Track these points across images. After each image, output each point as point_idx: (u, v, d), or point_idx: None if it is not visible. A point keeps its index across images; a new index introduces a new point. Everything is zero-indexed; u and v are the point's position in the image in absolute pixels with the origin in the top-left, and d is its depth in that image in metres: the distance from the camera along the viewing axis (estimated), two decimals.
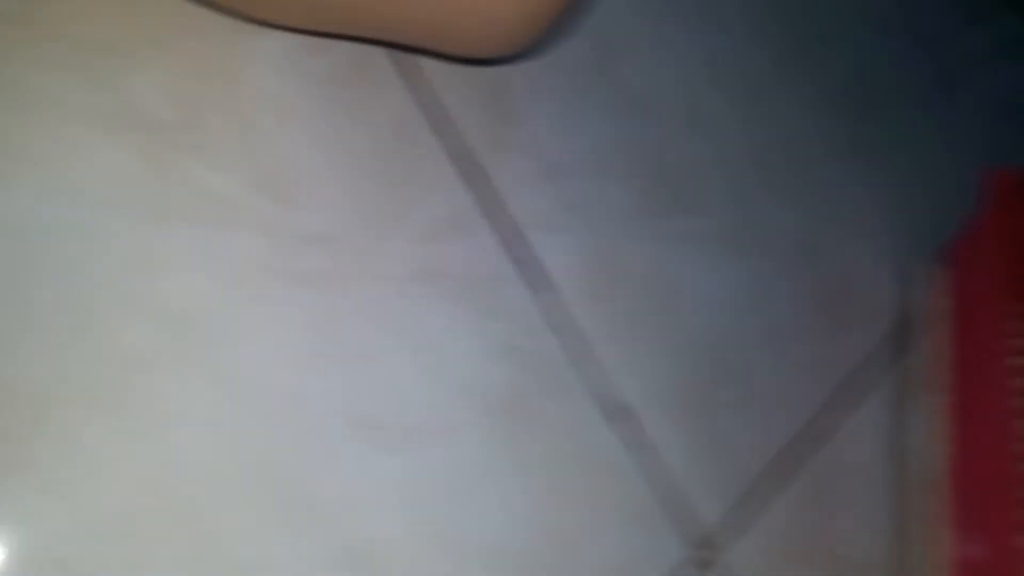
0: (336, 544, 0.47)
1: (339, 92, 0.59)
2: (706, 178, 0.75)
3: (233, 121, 0.54)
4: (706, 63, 0.79)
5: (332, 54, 0.60)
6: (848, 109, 0.87)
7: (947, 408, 0.71)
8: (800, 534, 0.64)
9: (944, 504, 0.67)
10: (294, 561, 0.45)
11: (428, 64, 0.64)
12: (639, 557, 0.56)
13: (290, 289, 0.52)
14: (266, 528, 0.45)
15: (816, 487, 0.67)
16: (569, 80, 0.70)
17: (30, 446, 0.43)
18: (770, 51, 0.84)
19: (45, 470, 0.43)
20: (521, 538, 0.53)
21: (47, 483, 0.43)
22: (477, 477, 0.53)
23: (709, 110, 0.77)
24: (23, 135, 0.49)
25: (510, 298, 0.60)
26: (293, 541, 0.46)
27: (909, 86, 0.93)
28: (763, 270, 0.74)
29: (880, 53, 0.92)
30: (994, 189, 0.75)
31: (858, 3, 0.93)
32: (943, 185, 0.95)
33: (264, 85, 0.56)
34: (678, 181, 0.73)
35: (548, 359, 0.59)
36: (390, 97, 0.61)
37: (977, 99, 0.99)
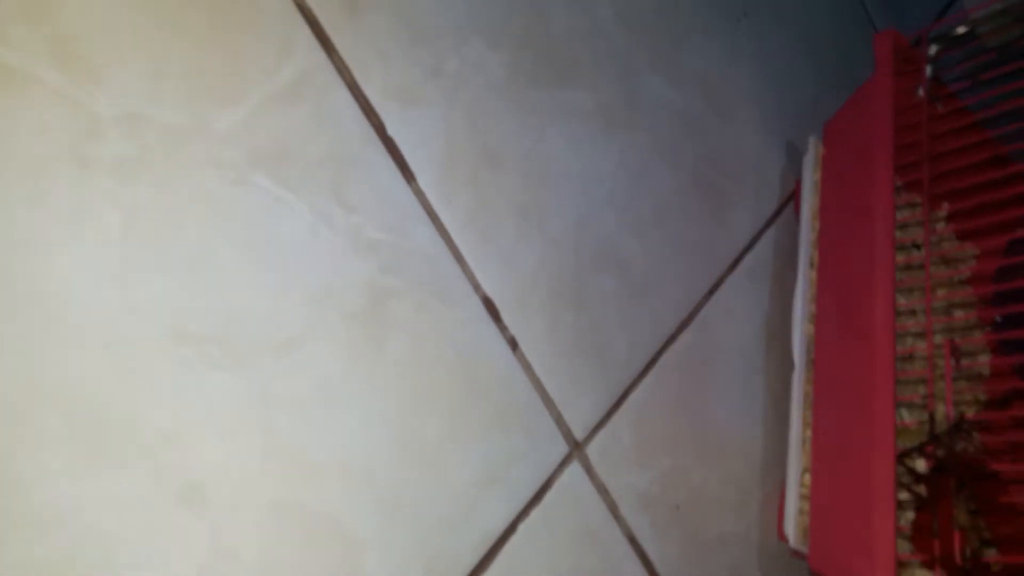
0: (164, 480, 0.41)
1: None
2: (585, 48, 0.68)
3: None
4: None
5: None
6: None
7: (818, 285, 0.71)
8: (675, 420, 0.64)
9: (812, 383, 0.68)
10: (110, 503, 0.39)
11: None
12: (510, 459, 0.54)
13: (93, 181, 0.42)
14: (74, 467, 0.39)
15: (692, 372, 0.66)
16: None
17: None
18: None
19: None
20: (384, 452, 0.49)
21: None
22: (332, 390, 0.48)
23: None
24: None
25: (367, 184, 0.52)
26: (109, 480, 0.39)
27: None
28: (644, 148, 0.69)
29: None
30: (885, 50, 0.72)
31: None
32: (831, 59, 0.92)
33: None
34: (555, 50, 0.65)
35: (412, 254, 0.53)
36: None
37: None
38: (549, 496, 0.55)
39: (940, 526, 0.56)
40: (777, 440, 0.70)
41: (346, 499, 0.47)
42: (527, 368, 0.57)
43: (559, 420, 0.57)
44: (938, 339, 0.77)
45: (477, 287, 0.56)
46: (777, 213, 0.78)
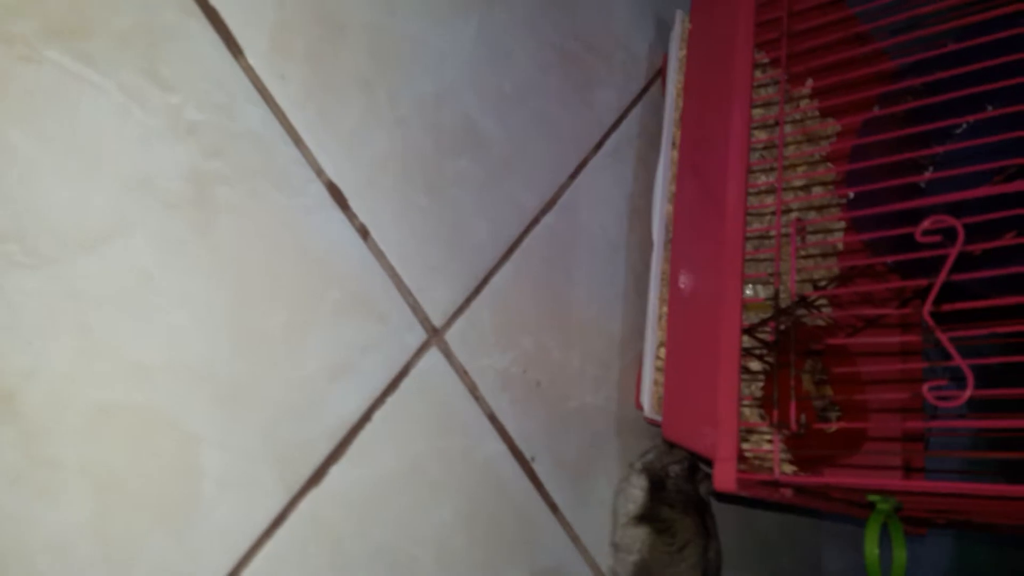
0: None
1: None
2: None
3: None
4: None
5: None
6: None
7: (679, 164, 0.71)
8: (537, 302, 0.64)
9: (670, 261, 0.70)
10: None
11: None
12: (363, 348, 0.53)
13: None
14: None
15: (554, 255, 0.66)
16: None
17: None
18: None
19: None
20: (221, 346, 0.47)
21: None
22: (154, 286, 0.45)
23: None
24: None
25: (185, 60, 0.47)
26: None
27: None
28: (505, 22, 0.66)
29: None
30: None
31: None
32: None
33: None
34: None
35: (241, 137, 0.49)
36: None
37: None
38: (406, 383, 0.55)
39: (779, 395, 0.60)
40: (638, 316, 0.72)
41: (178, 396, 0.45)
42: (379, 256, 0.55)
43: (415, 308, 0.56)
44: (795, 217, 0.80)
45: (319, 172, 0.53)
46: (644, 90, 0.77)
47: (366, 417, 0.52)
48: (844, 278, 0.76)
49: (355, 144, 0.55)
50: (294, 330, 0.50)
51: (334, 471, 0.50)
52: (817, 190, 0.84)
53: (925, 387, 0.52)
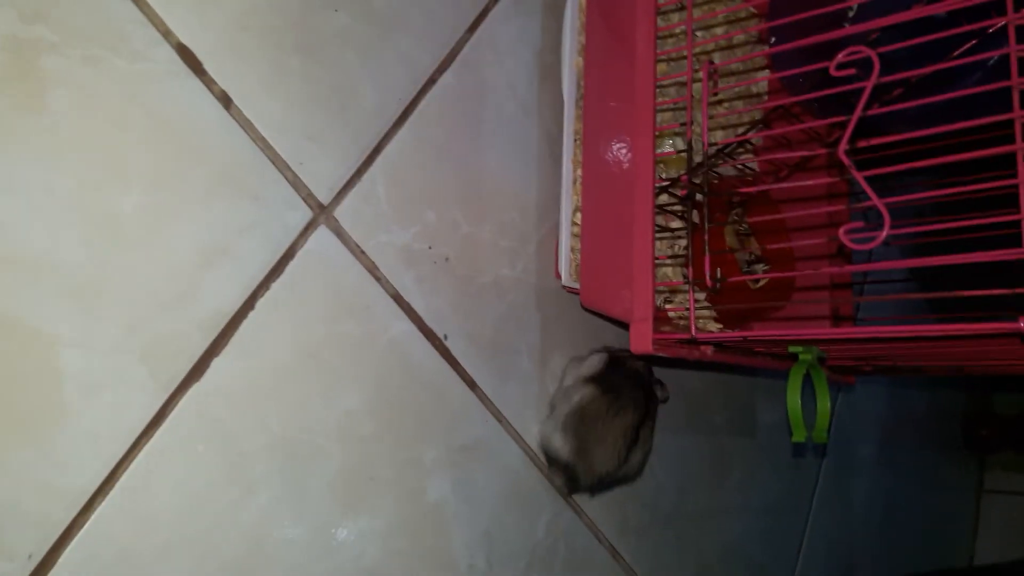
0: None
1: None
2: None
3: None
4: None
5: None
6: None
7: (587, 11, 0.65)
8: (440, 171, 0.59)
9: (582, 120, 0.65)
10: None
11: None
12: (237, 230, 0.48)
13: None
14: None
15: (456, 118, 0.61)
16: None
17: None
18: None
19: None
20: (69, 235, 0.42)
21: None
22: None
23: None
24: None
25: None
26: None
27: None
28: None
29: None
30: None
31: None
32: None
33: None
34: None
35: None
36: None
37: None
38: (292, 266, 0.51)
39: (693, 252, 0.57)
40: (555, 182, 0.67)
41: (25, 295, 0.40)
42: (247, 126, 0.49)
43: (296, 183, 0.51)
44: (714, 60, 0.74)
45: (167, 33, 0.46)
46: None
47: (248, 305, 0.48)
48: (764, 123, 0.72)
49: (208, 1, 0.48)
50: (152, 213, 0.45)
51: (216, 364, 0.47)
52: (738, 27, 0.78)
53: (840, 230, 0.49)
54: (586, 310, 0.67)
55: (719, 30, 0.77)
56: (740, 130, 0.75)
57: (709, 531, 0.84)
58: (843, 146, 0.50)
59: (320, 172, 0.53)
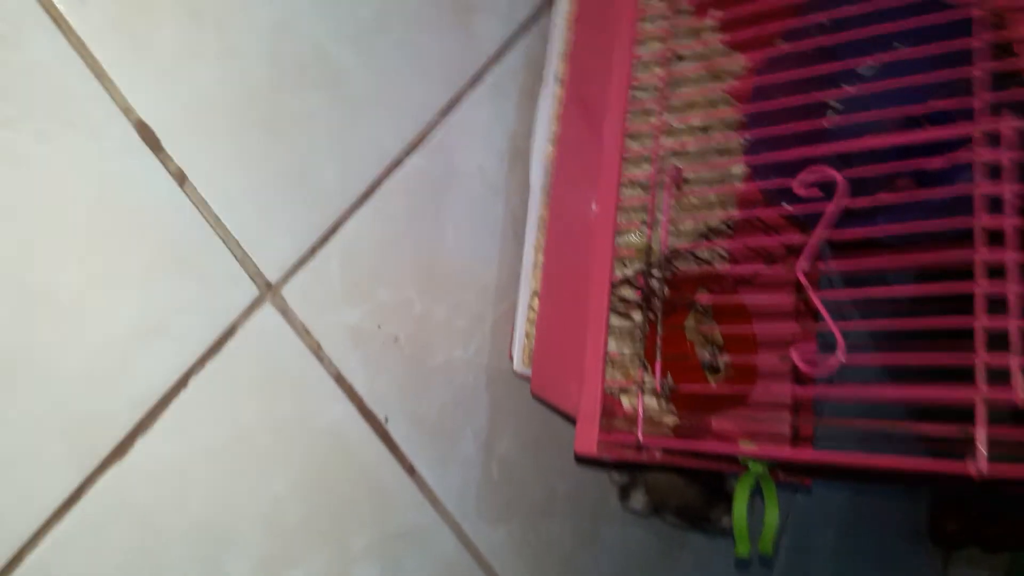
0: None
1: None
2: None
3: None
4: None
5: None
6: None
7: (564, 101, 0.66)
8: (398, 251, 0.60)
9: (549, 206, 0.65)
10: None
11: None
12: (176, 307, 0.48)
13: None
14: None
15: (421, 199, 0.61)
16: None
17: None
18: None
19: None
20: (1, 311, 0.42)
21: None
22: None
23: None
24: None
25: None
26: None
27: None
28: None
29: None
30: None
31: None
32: None
33: None
34: None
35: (27, 71, 0.43)
36: None
37: None
38: (232, 345, 0.50)
39: (645, 354, 0.57)
40: (517, 262, 0.68)
41: None
42: (200, 204, 0.49)
43: (244, 261, 0.51)
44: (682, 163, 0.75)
45: (127, 110, 0.47)
46: (533, 19, 0.70)
47: (181, 384, 0.48)
48: (728, 231, 0.73)
49: (172, 78, 0.48)
50: (89, 289, 0.45)
51: (141, 444, 0.46)
52: (716, 132, 0.79)
53: (793, 351, 0.49)
54: (536, 398, 0.67)
55: (701, 132, 0.77)
56: (716, 212, 0.75)
57: None
58: (801, 265, 0.50)
59: (272, 250, 0.53)
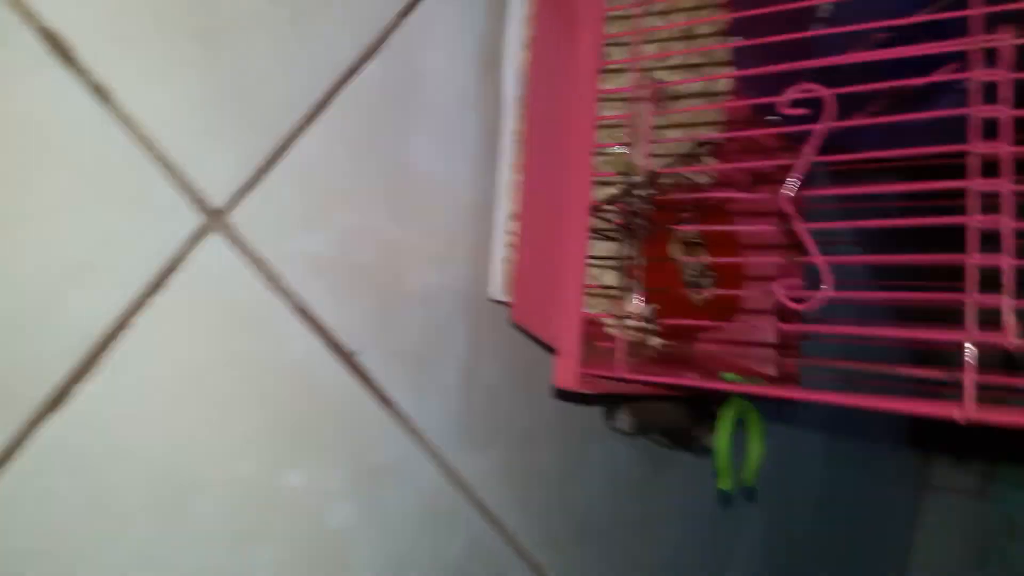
0: None
1: None
2: None
3: None
4: None
5: None
6: None
7: (536, 15, 0.59)
8: (360, 170, 0.54)
9: (524, 120, 0.60)
10: None
11: None
12: (109, 240, 0.43)
13: None
14: None
15: (383, 112, 0.56)
16: None
17: None
18: None
19: None
20: None
21: None
22: None
23: None
24: None
25: None
26: None
27: None
28: None
29: None
30: None
31: None
32: None
33: None
34: None
35: None
36: None
37: None
38: (178, 279, 0.46)
39: (626, 281, 0.52)
40: (492, 183, 0.62)
41: None
42: (127, 122, 0.44)
43: (184, 186, 0.46)
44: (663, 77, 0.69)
45: (28, 16, 0.40)
46: None
47: (123, 324, 0.44)
48: (714, 151, 0.67)
49: None
50: (5, 226, 0.40)
51: (82, 391, 0.42)
52: (699, 43, 0.72)
53: (776, 285, 0.45)
54: (515, 327, 0.63)
55: (686, 41, 0.71)
56: (700, 131, 0.69)
57: (638, 545, 0.82)
58: (786, 193, 0.46)
59: (215, 173, 0.47)
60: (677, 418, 0.73)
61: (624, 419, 0.75)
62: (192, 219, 0.46)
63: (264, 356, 0.50)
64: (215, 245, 0.47)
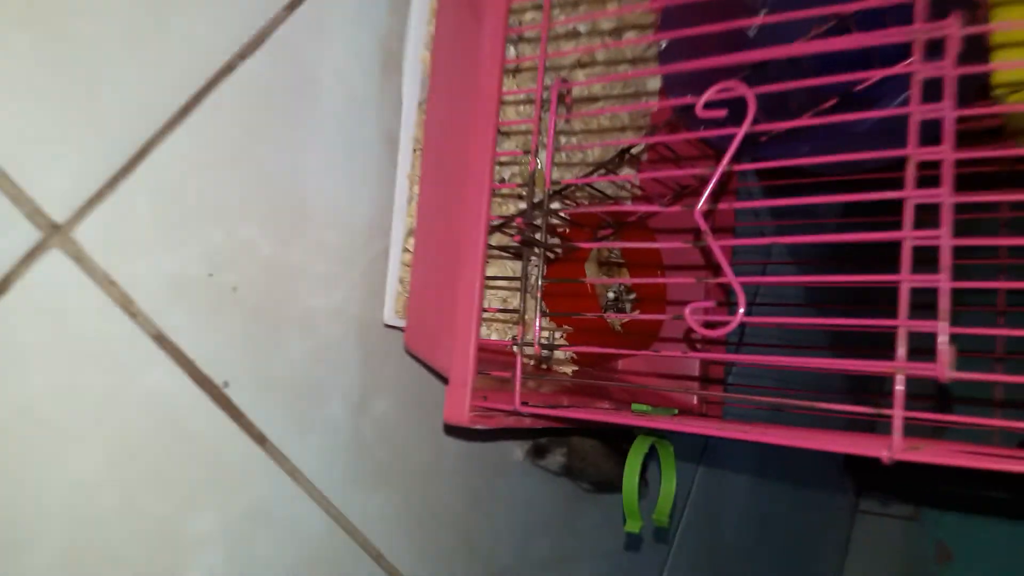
0: None
1: None
2: None
3: None
4: None
5: None
6: None
7: (439, 13, 0.55)
8: (233, 179, 0.49)
9: (424, 126, 0.55)
10: None
11: None
12: None
13: None
14: None
15: (263, 114, 0.51)
16: None
17: None
18: None
19: None
20: None
21: None
22: None
23: None
24: None
25: None
26: None
27: None
28: None
29: None
30: None
31: None
32: None
33: None
34: None
35: None
36: None
37: None
38: (8, 300, 0.40)
39: (522, 310, 0.48)
40: (390, 196, 0.58)
41: None
42: None
43: (17, 197, 0.40)
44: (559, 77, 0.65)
45: None
46: None
47: None
48: (634, 160, 0.64)
49: None
50: None
51: None
52: (630, 34, 0.69)
53: (687, 310, 0.41)
54: (410, 355, 0.59)
55: (609, 35, 0.67)
56: (619, 137, 0.66)
57: None
58: (700, 206, 0.42)
59: (55, 184, 0.42)
60: (609, 468, 0.68)
61: (556, 460, 0.70)
62: (27, 234, 0.41)
63: (115, 388, 0.44)
64: (55, 262, 0.42)
